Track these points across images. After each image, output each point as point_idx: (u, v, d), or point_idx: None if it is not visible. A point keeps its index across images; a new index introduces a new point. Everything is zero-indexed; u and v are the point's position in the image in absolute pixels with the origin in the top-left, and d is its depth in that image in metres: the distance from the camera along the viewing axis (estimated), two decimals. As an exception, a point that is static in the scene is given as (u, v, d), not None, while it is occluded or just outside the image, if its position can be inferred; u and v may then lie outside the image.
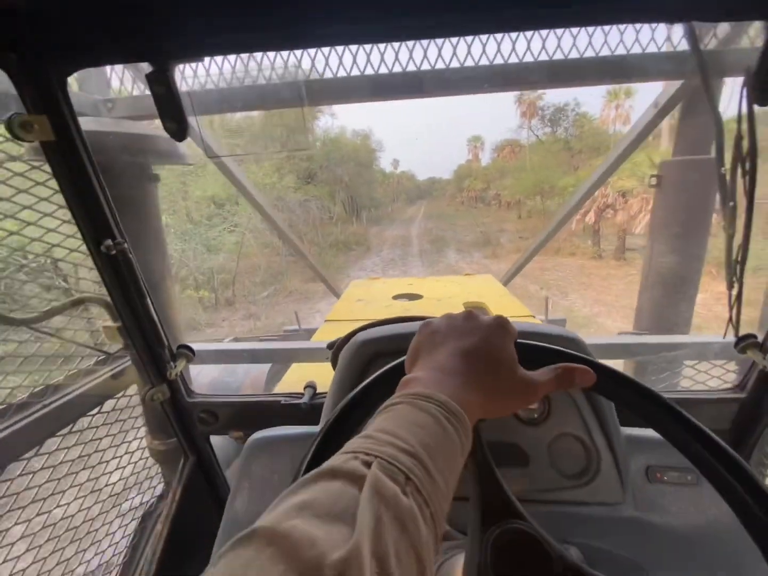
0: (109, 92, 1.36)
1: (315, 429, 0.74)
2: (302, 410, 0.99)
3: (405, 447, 0.26)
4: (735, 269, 0.83)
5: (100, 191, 0.72)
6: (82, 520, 1.01)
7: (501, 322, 0.40)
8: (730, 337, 0.89)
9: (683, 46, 1.34)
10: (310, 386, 1.03)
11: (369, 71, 1.41)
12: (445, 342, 0.39)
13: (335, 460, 0.26)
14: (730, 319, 0.88)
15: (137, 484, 1.19)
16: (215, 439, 1.19)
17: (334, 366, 0.79)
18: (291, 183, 14.57)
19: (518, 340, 0.41)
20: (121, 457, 1.13)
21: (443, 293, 2.98)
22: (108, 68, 1.34)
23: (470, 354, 0.37)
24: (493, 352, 0.37)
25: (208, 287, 10.72)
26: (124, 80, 1.31)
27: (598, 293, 11.29)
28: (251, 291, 11.47)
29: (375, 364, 0.66)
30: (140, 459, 1.23)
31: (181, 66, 0.66)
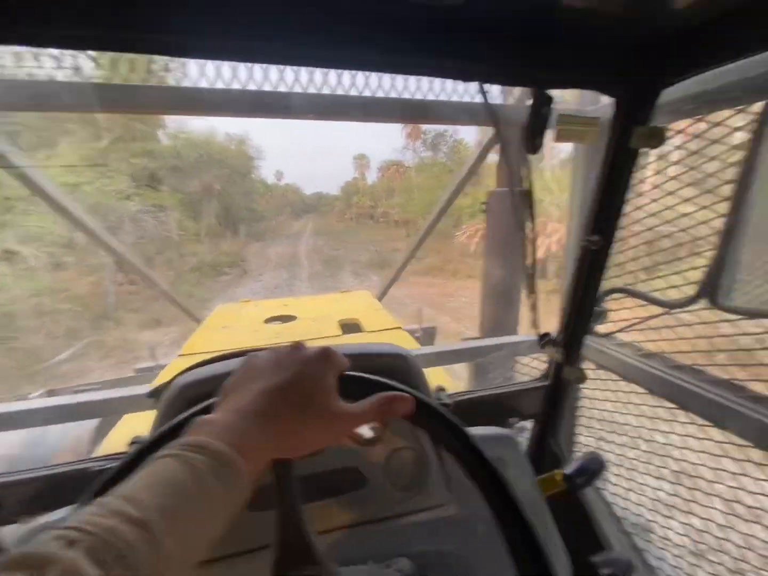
0: None
1: None
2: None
3: (135, 516, 0.25)
4: (530, 281, 1.03)
5: None
6: None
7: (324, 355, 0.40)
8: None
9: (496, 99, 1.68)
10: (137, 442, 0.86)
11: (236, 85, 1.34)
12: (259, 379, 0.37)
13: (37, 542, 0.23)
14: (533, 320, 1.08)
15: None
16: (8, 530, 0.89)
17: None
18: (122, 186, 10.68)
19: (346, 373, 0.41)
20: None
21: (319, 312, 2.93)
22: None
23: (278, 390, 0.36)
24: (305, 387, 0.37)
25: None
26: None
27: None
28: (42, 351, 6.75)
29: None
30: None
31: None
